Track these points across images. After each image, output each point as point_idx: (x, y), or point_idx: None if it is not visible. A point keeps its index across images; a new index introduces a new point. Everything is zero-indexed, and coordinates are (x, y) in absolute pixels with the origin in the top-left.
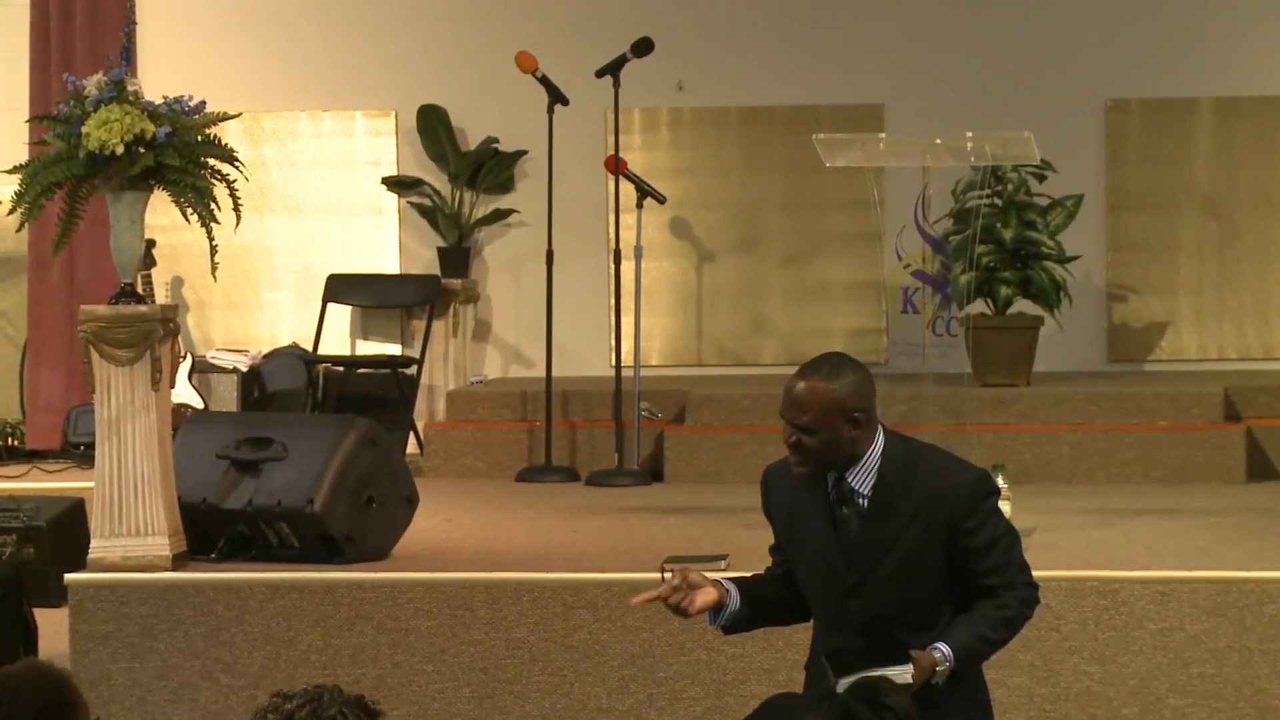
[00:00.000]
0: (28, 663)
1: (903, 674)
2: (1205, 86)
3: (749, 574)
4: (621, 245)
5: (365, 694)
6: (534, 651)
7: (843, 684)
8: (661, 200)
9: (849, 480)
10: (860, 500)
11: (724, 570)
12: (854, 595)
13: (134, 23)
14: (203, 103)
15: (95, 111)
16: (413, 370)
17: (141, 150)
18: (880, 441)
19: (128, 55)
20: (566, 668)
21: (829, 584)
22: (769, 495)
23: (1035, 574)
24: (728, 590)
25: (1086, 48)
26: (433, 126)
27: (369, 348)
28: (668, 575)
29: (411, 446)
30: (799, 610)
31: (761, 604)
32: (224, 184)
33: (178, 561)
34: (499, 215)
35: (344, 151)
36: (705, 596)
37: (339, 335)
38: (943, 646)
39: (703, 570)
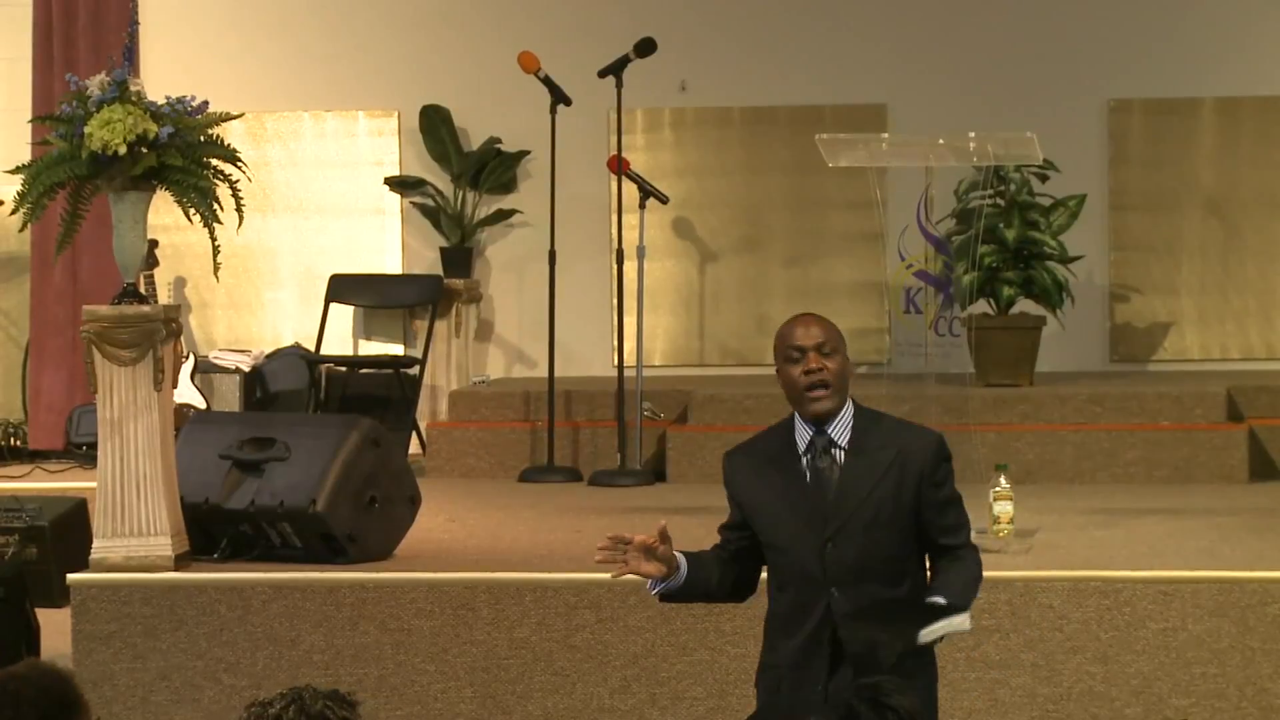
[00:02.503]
0: (30, 663)
1: (963, 623)
2: (1208, 87)
3: (704, 549)
4: (624, 245)
5: (368, 694)
6: (536, 651)
7: (925, 634)
8: (664, 200)
9: (829, 431)
10: (837, 451)
11: None
12: (831, 543)
13: (137, 23)
14: (205, 103)
15: (98, 112)
16: (415, 370)
17: (144, 150)
18: (850, 402)
19: (130, 55)
20: (569, 668)
21: (806, 537)
22: (733, 475)
23: (1038, 574)
24: (678, 568)
25: (1089, 48)
26: (435, 127)
27: (371, 348)
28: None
29: (414, 447)
30: (736, 593)
31: (704, 585)
32: (227, 184)
33: (180, 562)
34: (501, 215)
35: (347, 152)
36: (649, 569)
37: (341, 335)
38: (955, 603)
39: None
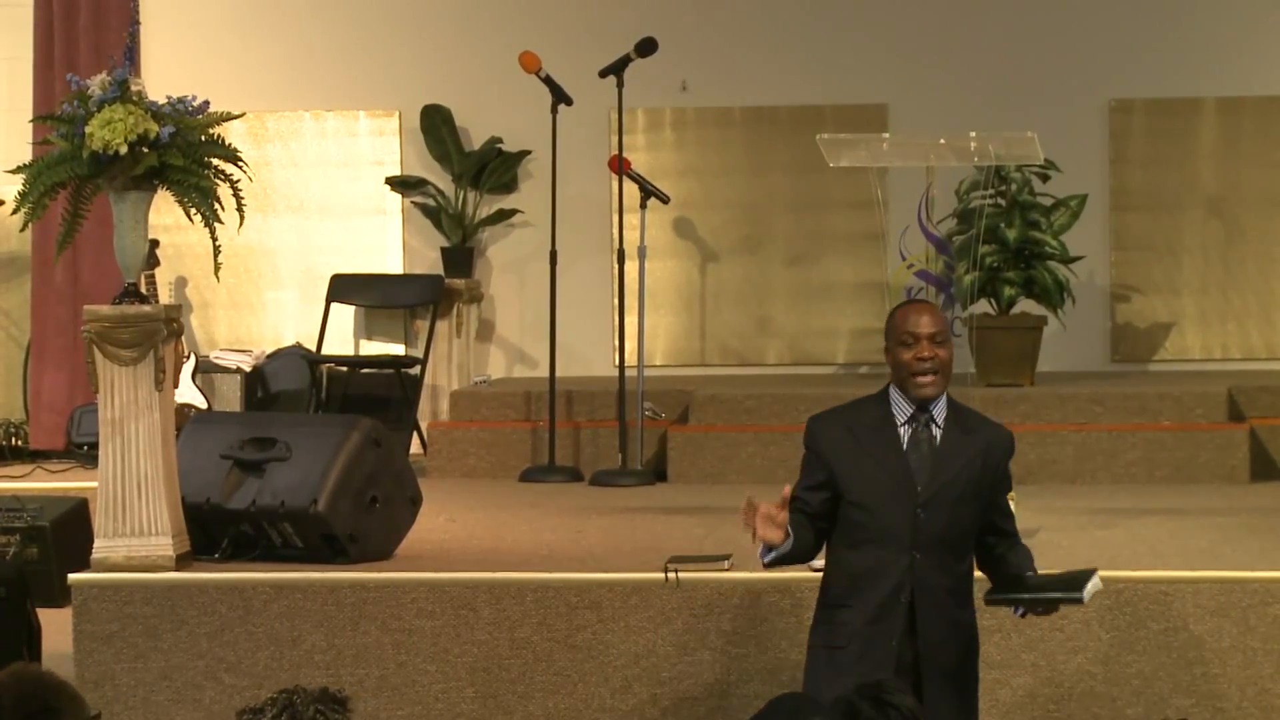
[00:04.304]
0: (11, 670)
1: (1098, 584)
2: (1209, 86)
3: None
4: (625, 245)
5: (369, 694)
6: (537, 651)
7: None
8: (665, 200)
9: (931, 409)
10: (935, 428)
11: (726, 570)
12: (923, 510)
13: (138, 22)
14: (206, 102)
15: (99, 111)
16: (416, 370)
17: (145, 150)
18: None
19: (131, 55)
20: (570, 668)
21: (899, 500)
22: (822, 434)
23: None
24: (788, 534)
25: (1090, 48)
26: (436, 126)
27: (373, 348)
28: (671, 576)
29: (415, 447)
30: (815, 553)
31: (801, 549)
32: (228, 184)
33: (181, 561)
34: (502, 215)
35: (348, 152)
36: (776, 535)
37: (342, 335)
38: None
39: (708, 567)
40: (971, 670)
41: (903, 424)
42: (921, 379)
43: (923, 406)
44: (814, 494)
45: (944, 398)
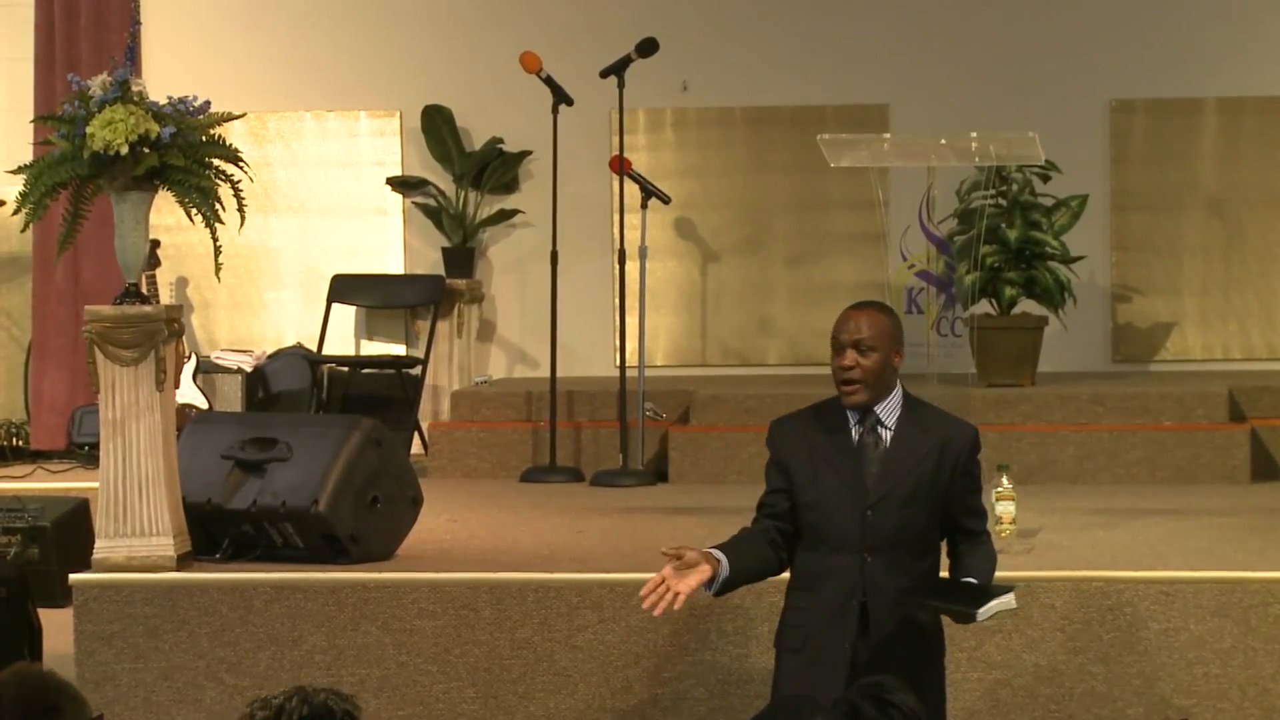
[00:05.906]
0: (14, 669)
1: (1010, 601)
2: (1210, 86)
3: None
4: (626, 245)
5: (370, 694)
6: (538, 652)
7: (982, 613)
8: (666, 200)
9: (877, 412)
10: (884, 431)
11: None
12: (871, 511)
13: (139, 22)
14: (207, 103)
15: (100, 112)
16: (417, 370)
17: (146, 150)
18: (899, 387)
19: (132, 55)
20: (571, 668)
21: (848, 502)
22: (781, 438)
23: (1039, 574)
24: (719, 561)
25: (1091, 48)
26: (437, 127)
27: (373, 348)
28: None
29: (416, 447)
30: (775, 568)
31: (750, 566)
32: (228, 184)
33: (182, 562)
34: (504, 216)
35: (349, 152)
36: (697, 578)
37: (343, 335)
38: (988, 585)
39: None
40: (932, 672)
41: (854, 425)
42: (844, 388)
43: (867, 409)
44: (777, 497)
45: (896, 397)
